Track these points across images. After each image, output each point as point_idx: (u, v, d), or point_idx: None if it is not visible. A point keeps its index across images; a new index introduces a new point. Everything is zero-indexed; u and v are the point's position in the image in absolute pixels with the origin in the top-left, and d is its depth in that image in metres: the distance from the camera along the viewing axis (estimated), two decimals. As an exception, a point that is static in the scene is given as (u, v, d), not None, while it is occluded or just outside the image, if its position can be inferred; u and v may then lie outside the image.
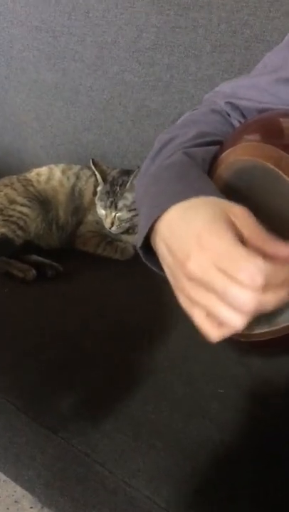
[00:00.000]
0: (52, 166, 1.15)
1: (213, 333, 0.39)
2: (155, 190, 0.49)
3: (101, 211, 1.05)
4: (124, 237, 1.08)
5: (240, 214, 0.40)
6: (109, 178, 1.06)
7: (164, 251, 0.44)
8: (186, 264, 0.39)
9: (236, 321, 0.37)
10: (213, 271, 0.38)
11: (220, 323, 0.38)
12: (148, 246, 0.47)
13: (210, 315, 0.39)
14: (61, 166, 1.14)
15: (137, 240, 0.48)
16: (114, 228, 1.05)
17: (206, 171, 0.51)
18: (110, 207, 1.04)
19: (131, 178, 1.04)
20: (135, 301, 0.87)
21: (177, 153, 0.52)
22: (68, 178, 1.12)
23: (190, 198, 0.43)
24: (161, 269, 0.46)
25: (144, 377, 0.68)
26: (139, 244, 0.48)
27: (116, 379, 0.68)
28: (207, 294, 0.38)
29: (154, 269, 0.48)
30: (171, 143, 0.56)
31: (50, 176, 1.13)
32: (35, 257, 1.01)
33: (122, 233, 1.07)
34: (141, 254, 0.49)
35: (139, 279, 0.82)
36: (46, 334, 0.78)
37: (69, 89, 1.22)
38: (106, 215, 1.04)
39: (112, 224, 1.04)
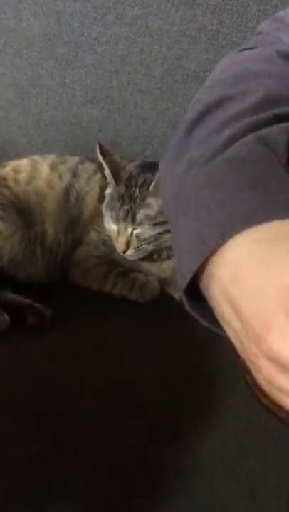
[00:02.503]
0: (36, 157, 1.16)
1: None
2: (209, 197, 0.48)
3: (111, 226, 1.05)
4: (146, 265, 1.08)
5: None
6: (124, 176, 1.05)
7: (226, 310, 0.45)
8: (266, 339, 0.41)
9: None
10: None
11: None
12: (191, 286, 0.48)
13: None
14: (50, 158, 1.16)
15: (178, 280, 0.49)
16: (130, 252, 1.03)
17: None
18: (125, 219, 1.02)
19: (157, 176, 1.01)
20: (161, 368, 0.87)
21: (244, 137, 0.52)
22: (60, 177, 1.13)
23: (271, 218, 0.43)
24: (214, 321, 0.48)
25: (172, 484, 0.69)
26: (182, 286, 0.48)
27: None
28: None
29: (204, 322, 0.50)
30: (223, 109, 0.57)
31: (34, 172, 1.13)
32: (9, 295, 1.01)
33: (142, 260, 1.07)
34: (185, 302, 0.50)
35: (168, 332, 0.87)
36: (20, 418, 0.77)
37: (64, 42, 1.24)
38: (118, 232, 1.04)
39: (128, 246, 1.03)
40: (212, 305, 0.47)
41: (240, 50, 0.66)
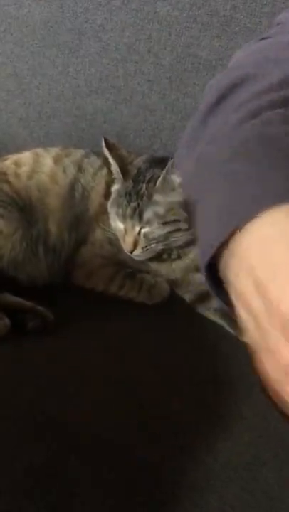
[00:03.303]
0: (39, 150, 1.16)
1: None
2: (238, 170, 0.48)
3: (117, 224, 1.05)
4: (155, 266, 1.08)
5: None
6: (132, 171, 1.05)
7: (247, 287, 0.44)
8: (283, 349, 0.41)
9: None
10: None
11: None
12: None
13: None
14: (53, 151, 1.15)
15: (198, 255, 0.50)
16: (137, 252, 1.03)
17: None
18: (132, 217, 1.02)
19: (165, 171, 1.01)
20: (169, 374, 0.86)
21: (271, 111, 0.52)
22: (65, 170, 1.12)
23: None
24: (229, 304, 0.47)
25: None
26: (204, 261, 0.48)
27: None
28: None
29: (223, 306, 0.50)
30: (241, 90, 0.57)
31: (36, 166, 1.13)
32: (9, 298, 1.01)
33: (151, 260, 1.07)
34: (205, 278, 0.50)
35: (175, 336, 0.87)
36: (21, 424, 0.76)
37: (67, 29, 1.23)
38: (125, 231, 1.03)
39: (135, 245, 1.03)
40: (230, 283, 0.46)
41: (258, 40, 0.67)
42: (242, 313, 0.46)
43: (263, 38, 0.67)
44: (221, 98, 0.58)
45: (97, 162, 1.13)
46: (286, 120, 0.50)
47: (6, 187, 1.10)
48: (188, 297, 1.04)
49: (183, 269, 1.05)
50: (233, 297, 0.46)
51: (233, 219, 0.45)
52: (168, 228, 1.02)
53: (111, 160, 1.05)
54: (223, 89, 0.59)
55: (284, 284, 0.41)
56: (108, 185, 1.09)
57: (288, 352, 0.41)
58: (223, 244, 0.46)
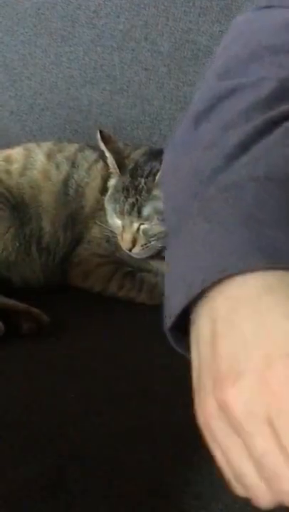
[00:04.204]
0: (30, 145, 1.16)
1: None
2: (201, 233, 0.49)
3: (115, 221, 1.05)
4: (156, 264, 1.08)
5: None
6: (130, 165, 1.05)
7: (205, 334, 0.46)
8: (228, 390, 0.42)
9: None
10: (264, 428, 0.41)
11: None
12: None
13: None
14: (46, 145, 1.16)
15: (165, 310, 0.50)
16: (136, 250, 1.04)
17: None
18: (131, 213, 1.03)
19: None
20: (172, 380, 0.82)
21: (256, 147, 0.52)
22: (58, 167, 1.13)
23: (273, 263, 0.44)
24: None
25: None
26: (171, 314, 0.49)
27: None
28: (239, 449, 0.43)
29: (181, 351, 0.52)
30: (232, 101, 0.56)
31: (28, 162, 1.13)
32: (2, 300, 1.00)
33: (151, 258, 1.07)
34: (167, 334, 0.51)
35: None
36: (16, 436, 0.75)
37: (60, 16, 1.23)
38: (123, 228, 1.04)
39: (134, 243, 1.04)
40: (192, 328, 0.48)
41: (259, 8, 0.65)
42: (192, 360, 0.48)
43: (265, 7, 0.65)
44: (216, 104, 0.58)
45: (92, 156, 1.13)
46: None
47: (-4, 184, 1.11)
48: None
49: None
50: (191, 344, 0.48)
51: (211, 269, 0.46)
52: (168, 224, 1.02)
53: (107, 153, 1.05)
54: (217, 94, 0.58)
55: (234, 348, 0.43)
56: (104, 180, 1.09)
57: (211, 408, 0.44)
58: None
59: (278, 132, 0.53)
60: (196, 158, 0.55)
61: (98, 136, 1.05)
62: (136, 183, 1.02)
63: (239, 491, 0.45)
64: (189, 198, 0.53)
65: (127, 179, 1.03)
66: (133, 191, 1.02)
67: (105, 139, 1.05)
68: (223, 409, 0.43)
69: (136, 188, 1.02)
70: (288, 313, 0.43)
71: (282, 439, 0.41)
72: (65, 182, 1.11)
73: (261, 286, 0.44)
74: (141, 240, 1.03)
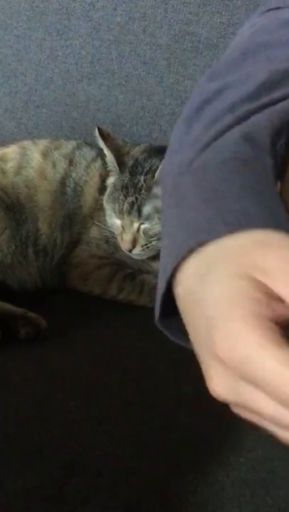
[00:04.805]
0: (26, 143, 1.17)
1: None
2: (172, 215, 0.52)
3: (114, 221, 1.06)
4: (157, 266, 1.07)
5: (275, 267, 0.42)
6: (129, 162, 1.06)
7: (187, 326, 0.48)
8: (209, 383, 0.45)
9: None
10: (247, 391, 0.42)
11: None
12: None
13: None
14: (42, 143, 1.16)
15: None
16: (137, 251, 1.04)
17: (281, 160, 0.54)
18: (130, 213, 1.03)
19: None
20: (176, 386, 0.86)
21: (230, 133, 0.55)
22: (54, 165, 1.13)
23: (218, 235, 0.46)
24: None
25: None
26: (158, 295, 0.50)
27: None
28: (259, 395, 0.43)
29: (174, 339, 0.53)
30: (220, 99, 0.58)
31: (24, 161, 1.14)
32: None
33: (152, 259, 1.07)
34: (156, 319, 0.52)
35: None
36: (15, 446, 0.76)
37: (54, 9, 1.24)
38: (123, 228, 1.04)
39: (134, 243, 1.04)
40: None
41: (264, 12, 0.66)
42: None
43: (270, 9, 0.66)
44: (206, 103, 0.59)
45: (90, 154, 1.13)
46: (243, 140, 0.53)
47: (-9, 184, 1.10)
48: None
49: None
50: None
51: (174, 256, 0.48)
52: (170, 223, 1.02)
53: (106, 151, 1.05)
54: (206, 93, 0.60)
55: (196, 339, 0.45)
56: (103, 178, 1.10)
57: (217, 369, 0.44)
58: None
59: (257, 117, 0.55)
60: (181, 155, 0.57)
61: (96, 133, 1.05)
62: (135, 181, 1.03)
63: None
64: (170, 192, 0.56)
65: (126, 177, 1.04)
66: (132, 190, 1.02)
67: (104, 136, 1.05)
68: (225, 363, 0.43)
69: (135, 186, 1.03)
70: (216, 284, 0.44)
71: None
72: (63, 181, 1.12)
73: (202, 263, 0.46)
74: (141, 240, 1.03)
